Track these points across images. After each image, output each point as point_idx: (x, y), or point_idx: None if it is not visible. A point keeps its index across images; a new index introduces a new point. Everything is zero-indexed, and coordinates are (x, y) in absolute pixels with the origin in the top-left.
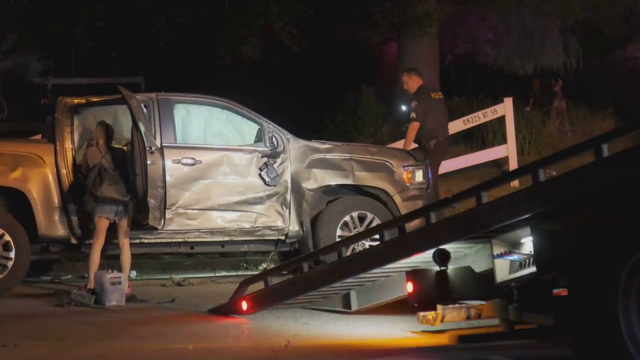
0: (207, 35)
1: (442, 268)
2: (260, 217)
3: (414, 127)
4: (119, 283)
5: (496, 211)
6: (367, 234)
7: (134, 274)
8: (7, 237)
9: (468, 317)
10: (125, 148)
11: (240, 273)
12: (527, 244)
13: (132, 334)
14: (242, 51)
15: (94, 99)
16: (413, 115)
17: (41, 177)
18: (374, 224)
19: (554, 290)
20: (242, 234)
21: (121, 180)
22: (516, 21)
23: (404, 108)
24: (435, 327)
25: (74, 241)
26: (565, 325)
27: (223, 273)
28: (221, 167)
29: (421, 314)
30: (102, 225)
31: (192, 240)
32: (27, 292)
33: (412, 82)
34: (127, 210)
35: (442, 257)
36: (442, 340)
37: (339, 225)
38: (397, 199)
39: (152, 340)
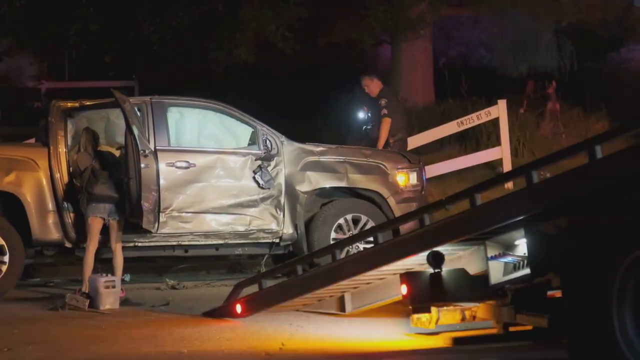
0: (200, 38)
1: (436, 270)
2: (254, 220)
3: (387, 123)
4: (113, 286)
5: (490, 213)
6: (362, 236)
7: (128, 277)
8: (1, 241)
9: (462, 319)
10: (116, 152)
11: (234, 276)
12: (521, 246)
13: (127, 338)
14: (236, 54)
15: (88, 103)
16: (385, 111)
17: (35, 181)
18: (368, 226)
19: (548, 292)
20: (236, 237)
21: (111, 180)
22: (510, 23)
23: (360, 115)
24: (429, 329)
25: (68, 245)
26: (559, 327)
27: (217, 276)
28: (215, 170)
29: (415, 316)
30: (96, 226)
31: (186, 243)
32: (21, 296)
33: (374, 85)
34: (119, 211)
35: (436, 259)
36: (437, 342)
37: (333, 228)
38: (391, 201)
39: (146, 344)
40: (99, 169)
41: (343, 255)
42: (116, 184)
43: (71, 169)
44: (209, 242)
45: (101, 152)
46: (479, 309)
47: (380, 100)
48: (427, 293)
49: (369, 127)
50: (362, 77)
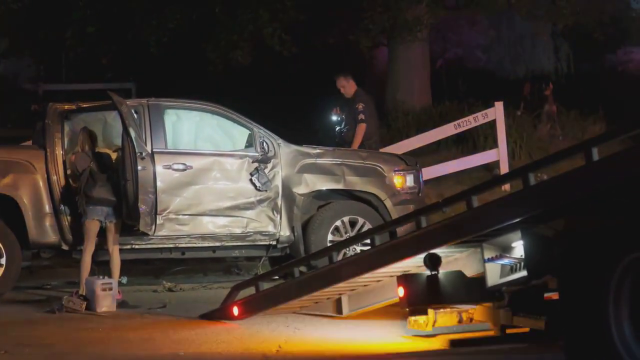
0: (197, 40)
1: (433, 272)
2: (251, 223)
3: (363, 128)
4: (110, 289)
5: (487, 215)
6: (358, 238)
7: (125, 279)
8: None
9: (459, 322)
10: (112, 154)
11: (231, 278)
12: (518, 248)
13: (123, 340)
14: (233, 56)
15: (85, 105)
16: (362, 116)
17: (32, 183)
18: (365, 228)
19: (545, 294)
20: (233, 240)
21: (109, 183)
22: (507, 25)
23: (333, 117)
24: (426, 331)
25: (65, 247)
26: (556, 329)
27: (214, 278)
28: (212, 172)
29: (412, 318)
30: (93, 228)
31: (183, 245)
32: (18, 298)
33: (350, 86)
34: (116, 214)
35: (433, 262)
36: (434, 344)
37: (330, 230)
38: (388, 203)
39: (143, 346)
40: (97, 172)
41: (340, 257)
42: (114, 186)
43: (68, 170)
44: (206, 244)
45: (100, 153)
46: (476, 311)
47: (357, 105)
48: (424, 295)
49: (344, 129)
50: (338, 78)
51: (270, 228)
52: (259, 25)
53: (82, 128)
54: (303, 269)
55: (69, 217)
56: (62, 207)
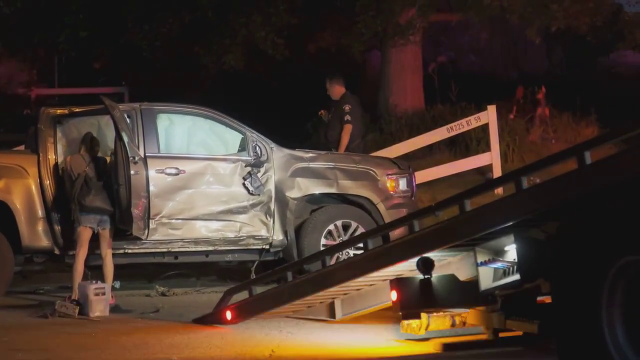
0: (190, 44)
1: (426, 276)
2: (244, 227)
3: (348, 129)
4: (103, 294)
5: (480, 219)
6: (352, 242)
7: (118, 284)
8: None
9: (452, 325)
10: (108, 158)
11: (224, 283)
12: (511, 252)
13: (116, 345)
14: (225, 60)
15: (77, 110)
16: (348, 117)
17: (24, 188)
18: (358, 232)
19: (538, 298)
20: (226, 244)
21: (105, 191)
22: (499, 29)
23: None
24: (419, 335)
25: (57, 252)
26: (549, 332)
27: (207, 283)
28: (205, 176)
29: (405, 322)
30: (85, 235)
31: (176, 250)
32: (10, 303)
33: (335, 89)
34: (110, 220)
35: (426, 265)
36: (427, 348)
37: (323, 234)
38: (381, 207)
39: (136, 351)
40: (92, 178)
41: (333, 261)
42: (109, 194)
43: (65, 170)
44: (199, 248)
45: (96, 158)
46: (469, 315)
47: (344, 106)
48: (417, 299)
49: (327, 130)
50: (326, 80)
51: (263, 232)
52: (251, 29)
53: (85, 133)
54: (296, 273)
55: (61, 222)
56: (55, 212)
